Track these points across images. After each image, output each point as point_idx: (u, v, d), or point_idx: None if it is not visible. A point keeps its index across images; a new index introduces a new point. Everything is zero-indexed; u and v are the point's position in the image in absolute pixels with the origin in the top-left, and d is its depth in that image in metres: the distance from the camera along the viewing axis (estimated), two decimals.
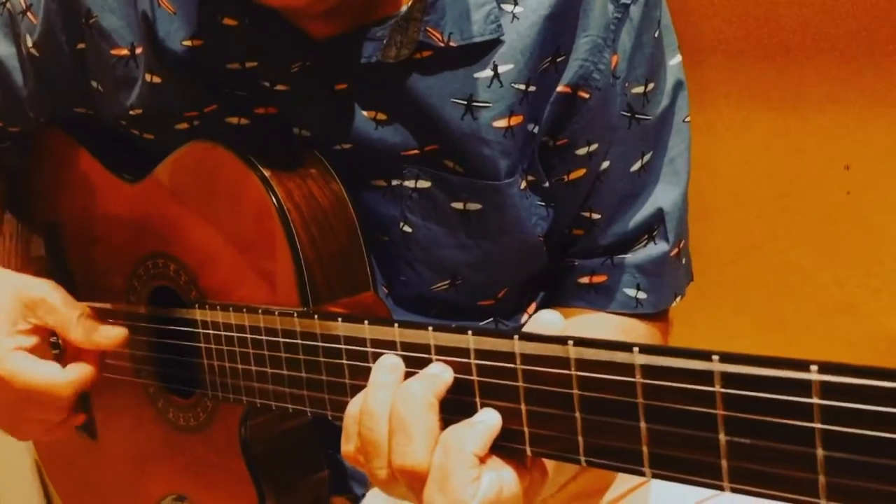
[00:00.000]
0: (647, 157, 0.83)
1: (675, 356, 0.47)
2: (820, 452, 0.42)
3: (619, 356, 0.49)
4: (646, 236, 0.84)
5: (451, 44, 0.75)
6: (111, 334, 0.81)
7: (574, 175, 0.81)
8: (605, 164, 0.81)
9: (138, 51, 0.80)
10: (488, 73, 0.76)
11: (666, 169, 0.84)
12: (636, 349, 0.48)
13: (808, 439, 0.42)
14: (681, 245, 0.86)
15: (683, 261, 0.88)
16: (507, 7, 0.76)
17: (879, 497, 0.41)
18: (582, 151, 0.79)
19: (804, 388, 0.42)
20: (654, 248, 0.84)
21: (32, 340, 0.80)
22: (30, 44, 0.84)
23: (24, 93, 0.87)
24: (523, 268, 0.85)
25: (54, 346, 0.87)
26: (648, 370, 0.48)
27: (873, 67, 1.04)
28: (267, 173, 0.71)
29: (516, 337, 0.54)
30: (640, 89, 0.80)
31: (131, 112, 0.82)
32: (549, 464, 0.62)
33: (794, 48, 1.09)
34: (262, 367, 0.72)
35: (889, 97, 1.04)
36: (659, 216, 0.83)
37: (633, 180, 0.83)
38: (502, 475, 0.56)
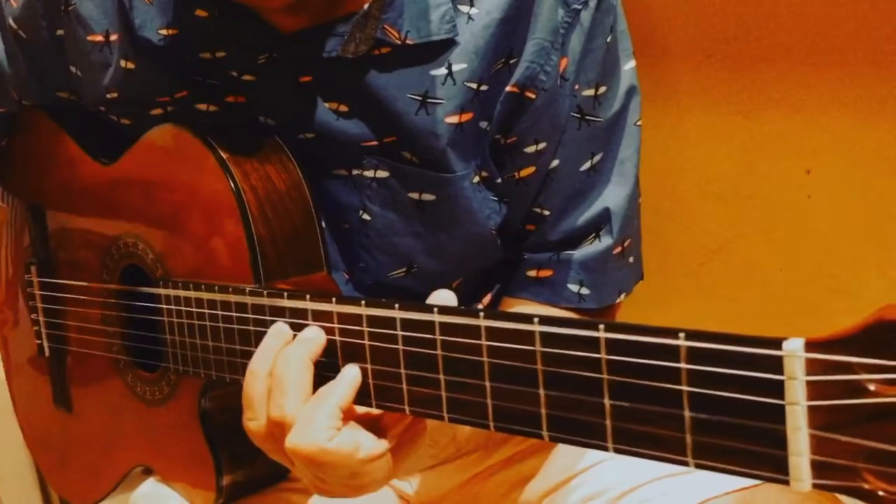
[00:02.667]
0: (596, 158, 0.86)
1: (569, 326, 0.50)
2: (687, 414, 0.46)
3: (522, 326, 0.53)
4: (593, 234, 0.87)
5: (408, 42, 0.79)
6: None
7: (524, 172, 0.84)
8: (555, 163, 0.85)
9: (112, 38, 0.84)
10: (443, 70, 0.80)
11: (615, 170, 0.87)
12: (536, 319, 0.52)
13: (676, 402, 0.46)
14: (625, 244, 0.89)
15: (630, 259, 0.91)
16: (463, 8, 0.79)
17: (739, 455, 0.44)
18: (530, 150, 0.83)
19: (674, 353, 0.46)
20: (598, 245, 0.87)
21: None
22: (15, 27, 0.89)
23: (9, 76, 0.92)
24: (476, 259, 0.88)
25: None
26: (546, 337, 0.52)
27: (836, 74, 1.07)
28: (225, 156, 0.75)
29: (435, 310, 0.58)
30: (590, 92, 0.84)
31: (108, 96, 0.86)
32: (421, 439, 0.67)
33: (760, 54, 1.12)
34: (218, 342, 0.76)
35: (848, 103, 1.06)
36: (606, 215, 0.87)
37: (582, 179, 0.86)
38: (362, 436, 0.63)
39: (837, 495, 0.43)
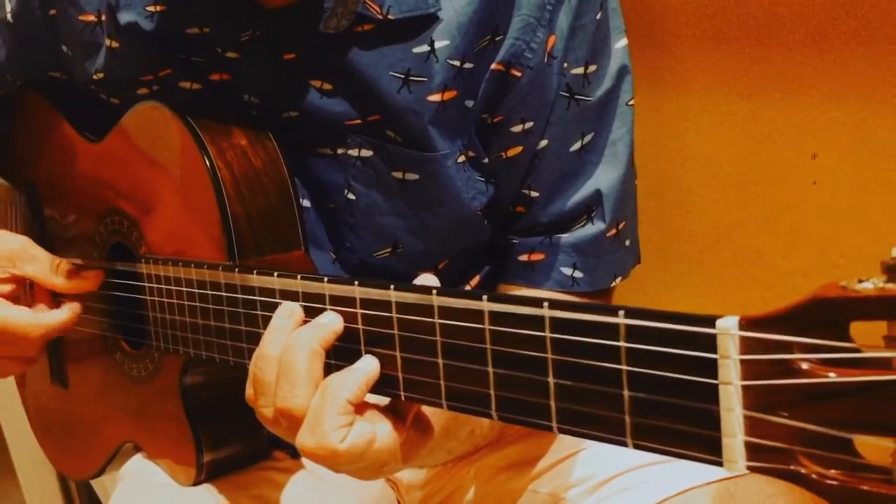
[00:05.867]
0: (587, 138, 0.84)
1: (514, 303, 0.49)
2: (626, 393, 0.44)
3: (471, 304, 0.52)
4: (584, 216, 0.85)
5: (390, 17, 0.78)
6: (89, 276, 0.86)
7: (511, 152, 0.83)
8: (543, 143, 0.83)
9: (104, 17, 0.85)
10: (425, 48, 0.78)
11: (607, 151, 0.85)
12: (485, 297, 0.51)
13: (616, 381, 0.45)
14: (619, 227, 0.87)
15: (627, 242, 0.89)
16: None
17: (675, 436, 0.43)
18: (517, 129, 0.82)
19: (614, 331, 0.44)
20: (591, 229, 0.85)
21: (7, 288, 0.86)
22: (8, 10, 0.90)
23: (3, 57, 0.93)
24: (461, 240, 0.87)
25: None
26: (495, 316, 0.51)
27: (844, 59, 1.04)
28: (201, 133, 0.74)
29: (392, 287, 0.57)
30: (580, 70, 0.82)
31: (95, 77, 0.87)
32: (438, 426, 0.65)
33: (766, 37, 1.09)
34: (195, 318, 0.76)
35: (857, 87, 1.03)
36: (597, 197, 0.85)
37: (572, 160, 0.84)
38: (377, 427, 0.59)
39: None
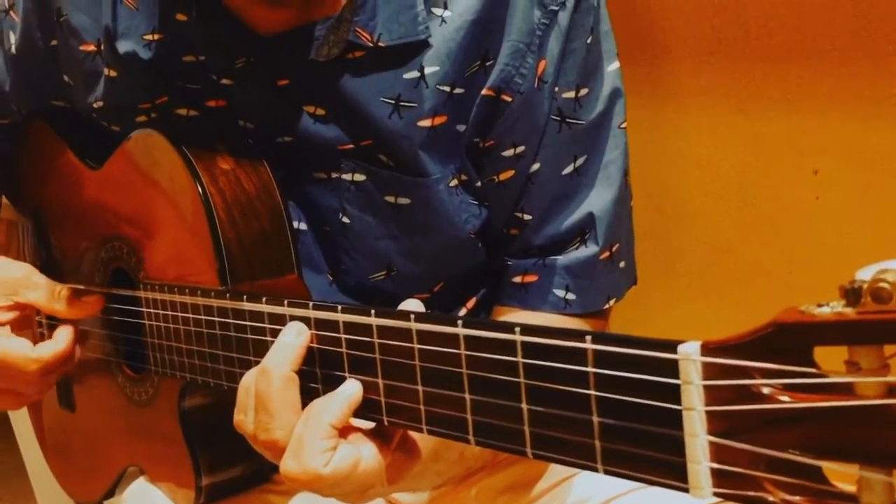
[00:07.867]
0: (579, 161, 0.84)
1: (488, 328, 0.50)
2: (595, 419, 0.44)
3: (447, 329, 0.52)
4: (578, 239, 0.85)
5: (380, 44, 0.78)
6: (89, 301, 0.87)
7: (504, 176, 0.83)
8: (536, 167, 0.83)
9: (104, 47, 0.86)
10: (415, 74, 0.79)
11: (600, 174, 0.85)
12: (460, 322, 0.51)
13: (586, 406, 0.45)
14: (613, 249, 0.87)
15: (621, 264, 0.88)
16: (437, 11, 0.79)
17: (643, 462, 0.43)
18: (508, 153, 0.82)
19: (582, 356, 0.45)
20: (584, 251, 0.85)
21: (11, 316, 0.87)
22: (12, 41, 0.91)
23: (7, 87, 0.95)
24: (455, 262, 0.87)
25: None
26: (470, 341, 0.51)
27: (840, 73, 1.04)
28: (194, 159, 0.76)
29: (373, 312, 0.57)
30: (570, 94, 0.82)
31: (95, 105, 0.88)
32: (426, 450, 0.65)
33: (762, 52, 1.09)
34: (189, 343, 0.77)
35: (854, 102, 1.03)
36: (590, 220, 0.85)
37: (564, 183, 0.84)
38: (360, 449, 0.60)
39: None
